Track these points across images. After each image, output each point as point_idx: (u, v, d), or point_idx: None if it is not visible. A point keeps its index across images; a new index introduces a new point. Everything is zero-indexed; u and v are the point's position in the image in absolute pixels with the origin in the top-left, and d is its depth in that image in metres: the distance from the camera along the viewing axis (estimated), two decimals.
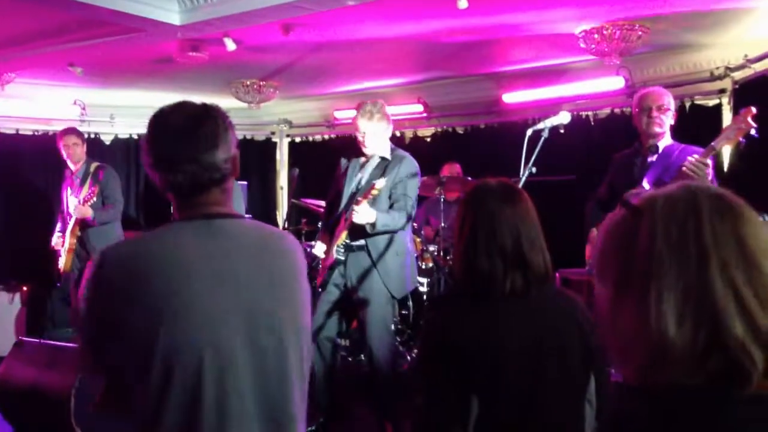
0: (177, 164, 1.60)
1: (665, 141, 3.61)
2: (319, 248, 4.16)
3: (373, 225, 3.77)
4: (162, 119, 1.65)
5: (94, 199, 5.31)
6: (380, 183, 3.70)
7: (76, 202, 5.36)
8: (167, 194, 1.66)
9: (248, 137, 8.15)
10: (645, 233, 0.99)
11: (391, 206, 3.93)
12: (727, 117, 5.26)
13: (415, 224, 5.65)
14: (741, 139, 3.10)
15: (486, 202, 1.93)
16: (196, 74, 5.88)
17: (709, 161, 3.17)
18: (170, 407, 1.51)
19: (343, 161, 4.23)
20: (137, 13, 4.05)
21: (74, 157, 5.55)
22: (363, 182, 4.04)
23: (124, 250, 1.63)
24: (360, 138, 3.97)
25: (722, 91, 5.30)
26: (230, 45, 4.65)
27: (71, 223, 5.43)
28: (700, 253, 0.94)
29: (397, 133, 7.40)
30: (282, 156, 8.39)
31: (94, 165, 5.62)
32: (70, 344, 4.42)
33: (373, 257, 3.95)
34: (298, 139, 8.32)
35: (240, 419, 1.55)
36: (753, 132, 3.07)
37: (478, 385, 1.78)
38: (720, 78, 5.25)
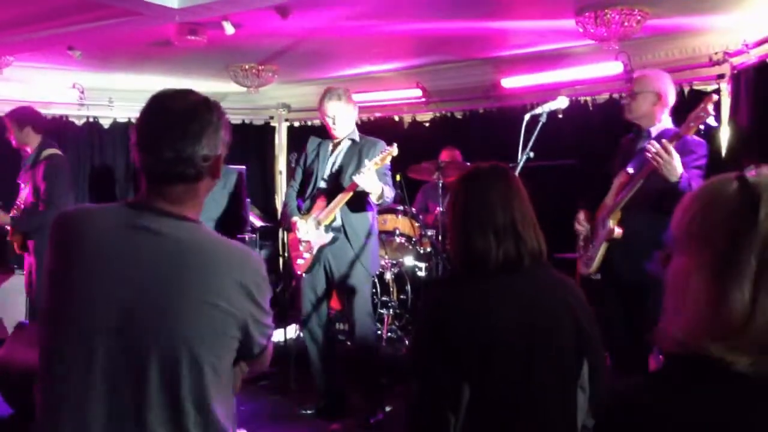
0: (156, 148, 1.59)
1: (660, 126, 3.49)
2: (302, 230, 4.10)
3: (380, 195, 3.91)
4: (160, 101, 1.64)
5: (22, 206, 4.75)
6: (395, 150, 3.91)
7: (26, 192, 4.85)
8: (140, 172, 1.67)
9: (247, 122, 8.11)
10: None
11: None
12: (726, 102, 5.27)
13: (413, 209, 5.71)
14: (700, 126, 3.09)
15: (477, 181, 1.98)
16: (195, 58, 5.85)
17: (672, 148, 3.07)
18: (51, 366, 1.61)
19: (311, 144, 4.29)
20: None
21: (17, 142, 4.95)
22: (336, 165, 4.14)
23: (70, 214, 1.71)
24: (329, 122, 4.09)
25: (721, 76, 5.29)
26: (229, 28, 4.63)
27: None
28: None
29: (396, 118, 7.41)
30: (281, 140, 8.37)
31: (45, 153, 4.87)
32: None
33: (350, 238, 4.07)
34: (296, 124, 8.30)
35: (81, 405, 1.54)
36: (711, 120, 3.07)
37: (469, 367, 1.79)
38: (719, 63, 5.23)
